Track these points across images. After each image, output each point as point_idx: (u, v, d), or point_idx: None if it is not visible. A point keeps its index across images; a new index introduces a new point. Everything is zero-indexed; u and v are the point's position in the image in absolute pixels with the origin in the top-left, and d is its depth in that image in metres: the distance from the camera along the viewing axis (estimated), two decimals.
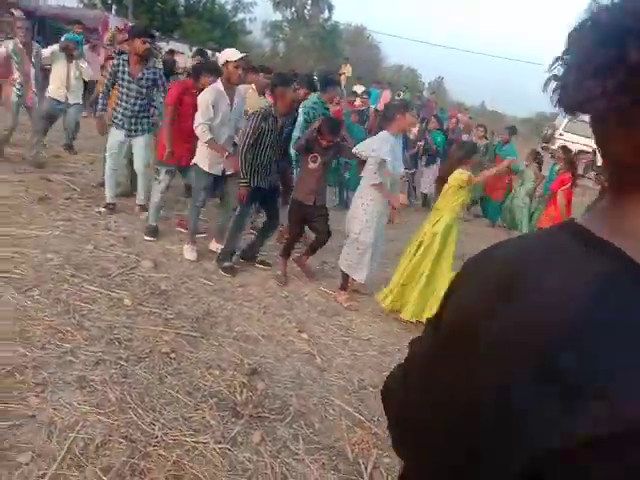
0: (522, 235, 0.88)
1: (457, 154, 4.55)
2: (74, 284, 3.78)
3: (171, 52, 10.22)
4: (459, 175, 4.36)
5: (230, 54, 4.52)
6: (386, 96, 17.21)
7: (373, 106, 16.29)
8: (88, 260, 4.22)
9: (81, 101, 7.30)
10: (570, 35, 0.62)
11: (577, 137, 16.52)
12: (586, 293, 0.57)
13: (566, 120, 18.44)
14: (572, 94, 0.59)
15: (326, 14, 33.98)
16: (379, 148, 4.37)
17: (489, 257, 0.77)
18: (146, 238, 4.93)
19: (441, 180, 4.39)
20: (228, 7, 27.06)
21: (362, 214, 4.47)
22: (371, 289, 4.91)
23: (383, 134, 4.47)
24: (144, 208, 5.43)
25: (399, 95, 16.60)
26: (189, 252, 4.77)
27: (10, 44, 6.15)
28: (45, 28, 13.59)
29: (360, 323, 4.38)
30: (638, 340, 0.52)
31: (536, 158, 6.84)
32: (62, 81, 6.76)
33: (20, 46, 6.16)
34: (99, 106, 5.25)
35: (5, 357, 2.81)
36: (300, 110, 5.65)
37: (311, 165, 4.55)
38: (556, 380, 0.54)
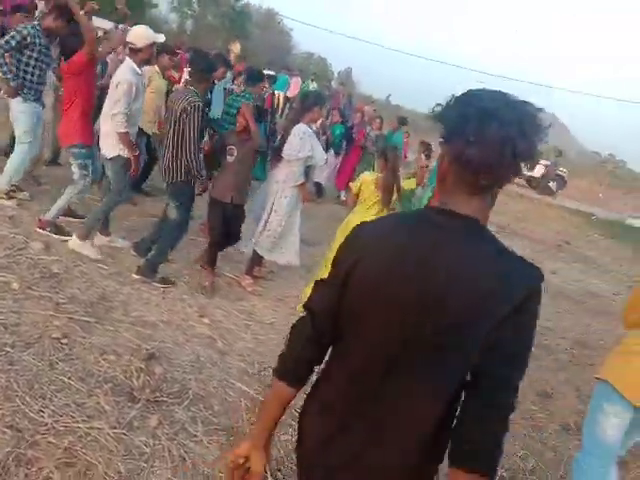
0: (410, 214, 1.28)
1: (393, 162, 4.44)
2: None
3: None
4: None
5: (151, 35, 4.23)
6: (296, 83, 17.25)
7: (282, 92, 16.25)
8: None
9: None
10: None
11: None
12: (468, 248, 1.10)
13: None
14: (481, 155, 1.05)
15: None
16: (313, 148, 4.46)
17: (389, 230, 1.18)
18: (64, 239, 4.38)
19: (389, 189, 4.41)
20: None
21: (286, 205, 4.51)
22: (275, 275, 4.98)
23: (306, 129, 4.46)
24: (10, 196, 4.78)
25: (304, 82, 16.73)
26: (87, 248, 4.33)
27: None
28: None
29: (263, 308, 4.43)
30: (492, 265, 1.09)
31: (425, 150, 7.19)
32: None
33: None
34: (4, 68, 4.54)
35: None
36: (217, 88, 5.73)
37: (228, 158, 4.34)
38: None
